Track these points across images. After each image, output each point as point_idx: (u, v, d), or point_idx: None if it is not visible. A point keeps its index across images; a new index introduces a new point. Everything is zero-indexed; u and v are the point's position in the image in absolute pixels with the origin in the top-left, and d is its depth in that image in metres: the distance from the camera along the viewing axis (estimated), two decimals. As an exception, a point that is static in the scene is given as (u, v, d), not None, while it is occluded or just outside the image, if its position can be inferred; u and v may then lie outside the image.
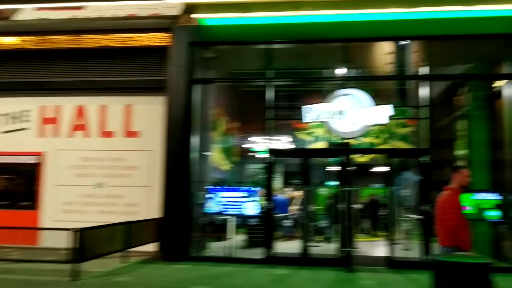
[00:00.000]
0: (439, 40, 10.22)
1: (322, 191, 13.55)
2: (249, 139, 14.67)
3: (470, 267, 4.07)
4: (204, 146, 11.01)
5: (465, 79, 11.45)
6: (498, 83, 10.51)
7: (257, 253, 10.09)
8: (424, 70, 10.40)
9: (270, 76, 10.62)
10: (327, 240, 12.24)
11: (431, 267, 4.64)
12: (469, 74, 11.25)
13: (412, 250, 10.50)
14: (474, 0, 9.47)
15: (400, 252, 10.09)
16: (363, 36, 10.17)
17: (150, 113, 11.20)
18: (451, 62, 11.40)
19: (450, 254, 4.86)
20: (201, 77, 10.77)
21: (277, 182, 13.84)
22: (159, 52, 10.85)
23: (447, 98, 13.64)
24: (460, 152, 12.67)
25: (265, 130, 10.56)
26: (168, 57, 10.55)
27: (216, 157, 12.74)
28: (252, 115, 12.66)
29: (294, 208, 12.55)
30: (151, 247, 10.07)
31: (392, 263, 9.50)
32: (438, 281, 4.42)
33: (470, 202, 9.46)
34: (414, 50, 11.09)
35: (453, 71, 11.47)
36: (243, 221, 11.16)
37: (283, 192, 13.58)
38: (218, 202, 10.03)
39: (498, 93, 10.41)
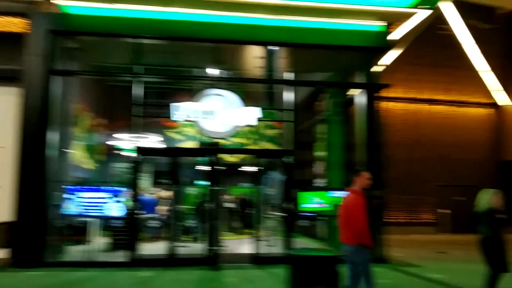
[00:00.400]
0: (304, 48, 10.86)
1: (191, 191, 13.50)
2: (115, 136, 13.99)
3: (319, 260, 4.36)
4: (64, 142, 10.21)
5: (325, 86, 12.40)
6: (352, 91, 11.54)
7: (121, 256, 9.66)
8: (289, 76, 10.98)
9: (138, 72, 10.25)
10: (195, 239, 12.21)
11: (288, 261, 4.89)
12: (328, 82, 12.20)
13: (276, 246, 10.98)
14: (334, 13, 10.27)
15: (264, 249, 10.47)
16: (233, 38, 10.36)
17: (2, 105, 10.02)
18: (314, 69, 12.23)
19: (350, 251, 5.23)
20: (62, 68, 9.97)
21: (145, 181, 13.43)
22: (14, 39, 9.76)
23: (310, 103, 14.64)
24: (320, 153, 13.68)
25: (132, 128, 10.15)
26: (25, 45, 9.57)
27: (78, 155, 11.91)
28: (119, 112, 12.11)
29: (162, 208, 12.28)
30: (0, 254, 9.03)
31: (257, 260, 9.82)
32: (294, 274, 4.67)
33: (327, 199, 10.24)
34: (281, 56, 11.65)
35: (315, 78, 12.33)
36: (106, 223, 10.58)
37: (151, 192, 13.21)
38: (77, 203, 9.36)
39: (351, 101, 11.43)
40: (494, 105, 19.72)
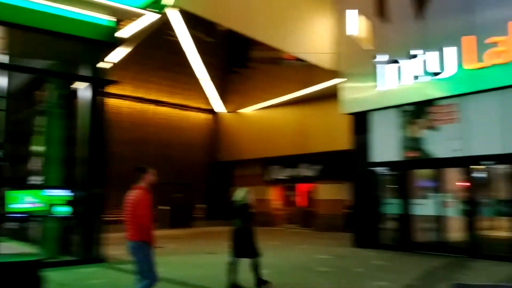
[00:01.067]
0: (23, 31, 9.68)
1: None
2: None
3: (17, 265, 3.93)
4: None
5: (45, 74, 11.36)
6: (78, 84, 10.95)
7: None
8: (3, 58, 9.62)
9: None
10: None
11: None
12: (49, 70, 11.22)
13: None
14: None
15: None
16: None
17: None
18: (34, 55, 11.08)
19: (132, 248, 5.25)
20: None
21: None
22: None
23: (30, 91, 13.17)
24: (37, 148, 12.45)
25: None
26: None
27: None
28: None
29: None
30: None
31: None
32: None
33: (41, 198, 9.40)
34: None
35: (35, 64, 11.17)
36: None
37: None
38: None
39: (75, 93, 10.84)
40: (211, 111, 22.06)
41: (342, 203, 16.99)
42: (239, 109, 21.18)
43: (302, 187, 20.04)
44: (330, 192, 18.10)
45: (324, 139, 17.05)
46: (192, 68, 20.13)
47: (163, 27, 17.81)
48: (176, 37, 18.79)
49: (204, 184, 21.42)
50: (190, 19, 17.08)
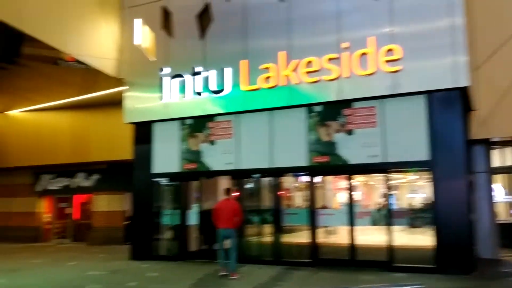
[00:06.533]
0: None
1: None
2: None
3: None
4: None
5: None
6: None
7: None
8: None
9: None
10: None
11: None
12: None
13: None
14: None
15: None
16: None
17: None
18: None
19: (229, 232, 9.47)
20: None
21: None
22: None
23: None
24: None
25: None
26: None
27: None
28: None
29: None
30: None
31: None
32: None
33: None
34: None
35: None
36: None
37: None
38: None
39: None
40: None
41: (121, 215, 16.51)
42: (6, 110, 18.59)
43: (78, 199, 18.72)
44: (109, 203, 17.38)
45: (105, 148, 16.30)
46: None
47: None
48: None
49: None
50: None
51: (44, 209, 19.07)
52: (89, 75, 15.29)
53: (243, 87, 11.44)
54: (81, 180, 18.14)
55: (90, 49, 12.33)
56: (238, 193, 11.70)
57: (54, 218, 19.06)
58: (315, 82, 10.66)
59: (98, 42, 12.77)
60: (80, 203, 18.60)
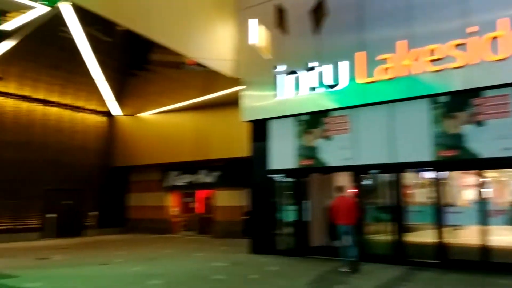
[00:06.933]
0: None
1: None
2: None
3: None
4: None
5: None
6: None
7: None
8: None
9: None
10: None
11: None
12: None
13: None
14: None
15: None
16: None
17: None
18: None
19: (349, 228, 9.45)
20: None
21: None
22: None
23: None
24: None
25: None
26: None
27: None
28: None
29: None
30: None
31: None
32: None
33: None
34: None
35: None
36: None
37: None
38: None
39: None
40: (107, 113, 20.99)
41: (241, 210, 17.13)
42: (137, 113, 20.43)
43: (201, 194, 19.87)
44: (228, 199, 18.16)
45: (224, 146, 17.07)
46: (87, 67, 18.99)
47: (55, 22, 16.61)
48: (70, 34, 17.59)
49: (97, 190, 20.26)
50: (86, 15, 16.11)
51: (172, 203, 20.58)
52: (209, 77, 16.18)
53: (360, 80, 11.12)
54: (203, 176, 19.22)
55: (209, 52, 12.97)
56: (355, 190, 11.43)
57: (181, 212, 20.47)
58: (439, 71, 9.96)
59: (216, 45, 13.39)
60: (204, 198, 19.71)
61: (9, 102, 17.28)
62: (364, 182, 11.59)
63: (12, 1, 9.50)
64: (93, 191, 20.03)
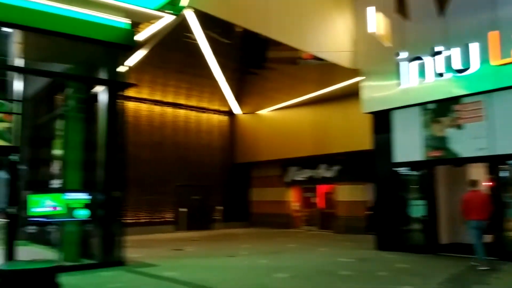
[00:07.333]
0: (38, 34, 9.65)
1: None
2: None
3: (34, 272, 3.83)
4: None
5: (62, 78, 11.42)
6: (97, 88, 10.94)
7: None
8: (19, 62, 9.64)
9: None
10: None
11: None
12: (66, 74, 11.27)
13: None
14: (77, 1, 9.55)
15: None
16: None
17: None
18: (51, 59, 11.13)
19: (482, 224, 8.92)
20: None
21: None
22: None
23: (50, 96, 13.28)
24: (58, 152, 12.53)
25: None
26: None
27: None
28: None
29: None
30: None
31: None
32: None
33: (61, 202, 9.38)
34: (14, 40, 10.10)
35: (52, 68, 11.22)
36: None
37: None
38: None
39: (95, 97, 10.83)
40: (229, 113, 21.96)
41: (363, 205, 16.69)
42: (257, 110, 21.02)
43: (321, 188, 19.78)
44: (350, 193, 17.80)
45: (344, 139, 16.76)
46: (209, 70, 20.03)
47: (179, 29, 17.78)
48: (194, 39, 18.72)
49: (222, 186, 21.32)
50: (206, 19, 16.97)
51: (292, 198, 20.82)
52: (326, 70, 15.97)
53: (494, 62, 10.10)
54: (323, 171, 19.09)
55: (326, 45, 12.81)
56: (491, 183, 10.42)
57: (302, 207, 20.62)
58: None
59: (333, 37, 13.17)
60: (324, 193, 19.60)
61: (144, 107, 18.98)
62: (502, 174, 10.51)
63: (142, 12, 10.33)
64: (218, 186, 21.12)
